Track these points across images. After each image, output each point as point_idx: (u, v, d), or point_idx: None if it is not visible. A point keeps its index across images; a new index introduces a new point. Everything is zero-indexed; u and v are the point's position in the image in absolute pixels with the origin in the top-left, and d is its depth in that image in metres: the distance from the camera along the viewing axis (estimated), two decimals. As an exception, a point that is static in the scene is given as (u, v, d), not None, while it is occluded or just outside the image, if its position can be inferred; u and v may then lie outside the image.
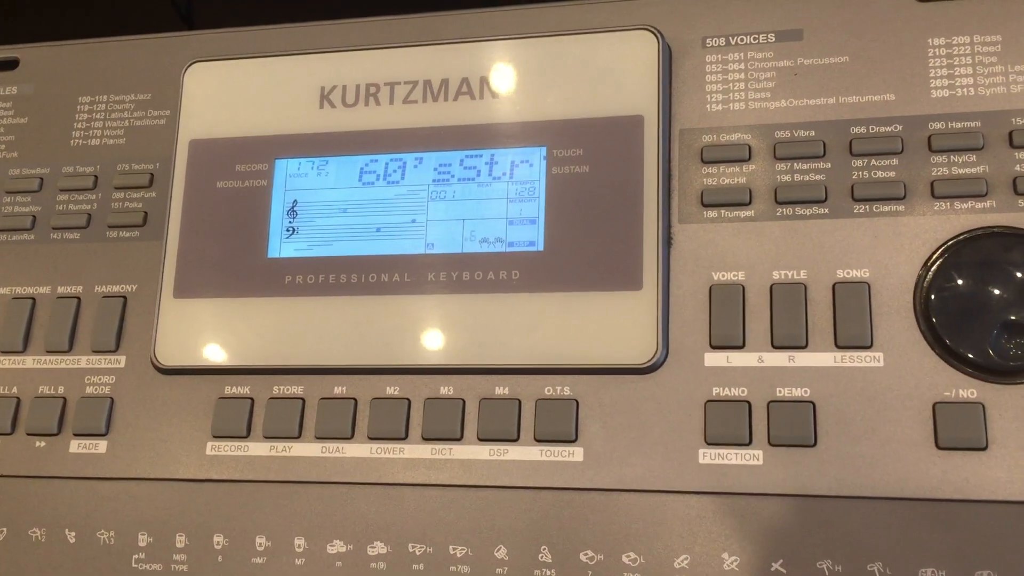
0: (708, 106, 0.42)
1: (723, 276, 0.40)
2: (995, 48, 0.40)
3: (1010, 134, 0.38)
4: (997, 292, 0.37)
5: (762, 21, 0.42)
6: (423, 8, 0.47)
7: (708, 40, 0.43)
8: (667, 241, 0.40)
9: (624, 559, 0.38)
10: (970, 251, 0.37)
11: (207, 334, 0.43)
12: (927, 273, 0.38)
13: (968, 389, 0.36)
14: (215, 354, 0.43)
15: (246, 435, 0.42)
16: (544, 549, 0.38)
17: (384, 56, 0.45)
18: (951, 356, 0.37)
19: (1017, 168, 0.38)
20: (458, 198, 0.43)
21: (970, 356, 0.36)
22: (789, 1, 0.42)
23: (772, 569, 0.36)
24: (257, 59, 0.46)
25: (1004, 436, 0.35)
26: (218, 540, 0.41)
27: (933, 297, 0.37)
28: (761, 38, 0.42)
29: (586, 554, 0.38)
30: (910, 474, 0.36)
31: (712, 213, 0.40)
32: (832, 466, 0.37)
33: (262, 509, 0.41)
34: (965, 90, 0.40)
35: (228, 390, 0.43)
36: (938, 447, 0.36)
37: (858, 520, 0.36)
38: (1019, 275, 0.37)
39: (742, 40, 0.42)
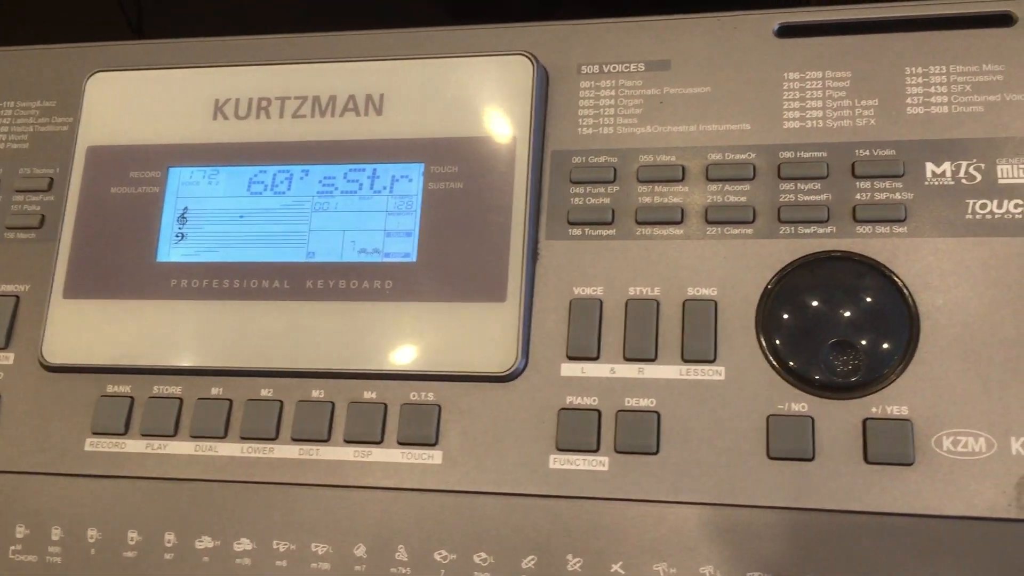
0: (580, 129, 0.44)
1: (583, 291, 0.42)
2: (844, 83, 0.42)
3: (852, 165, 0.41)
4: (830, 313, 0.39)
5: (634, 51, 0.45)
6: (362, 25, 0.49)
7: (583, 67, 0.45)
8: (533, 256, 0.42)
9: (475, 559, 0.39)
10: (808, 274, 0.40)
11: (93, 334, 0.45)
12: (769, 293, 0.40)
13: (800, 403, 0.38)
14: (99, 353, 0.44)
15: (124, 432, 0.43)
16: (401, 548, 0.40)
17: (276, 72, 0.47)
18: (786, 372, 0.39)
19: (857, 196, 0.40)
20: (340, 210, 0.45)
21: (802, 372, 0.38)
22: (659, 33, 0.45)
23: (612, 570, 0.38)
24: (156, 71, 0.48)
25: (830, 448, 0.38)
26: (92, 534, 0.42)
27: (772, 316, 0.39)
28: (632, 67, 0.45)
29: (440, 553, 0.40)
30: (743, 482, 0.38)
31: (577, 231, 0.43)
32: (672, 473, 0.38)
33: (135, 504, 0.42)
34: (814, 122, 0.42)
35: (110, 388, 0.44)
36: (769, 457, 0.38)
37: (694, 525, 0.38)
38: (849, 297, 0.39)
39: (614, 68, 0.45)
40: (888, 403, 0.38)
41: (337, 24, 0.49)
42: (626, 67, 0.45)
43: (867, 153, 0.41)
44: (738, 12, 0.44)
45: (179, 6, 0.86)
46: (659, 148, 0.43)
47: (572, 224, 0.43)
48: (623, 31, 0.45)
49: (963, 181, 0.40)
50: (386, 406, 0.41)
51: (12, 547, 0.43)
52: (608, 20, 0.46)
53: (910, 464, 0.37)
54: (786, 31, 0.44)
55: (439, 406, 0.41)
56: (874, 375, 0.38)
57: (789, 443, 0.38)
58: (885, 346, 0.38)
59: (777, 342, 0.39)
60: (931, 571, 0.36)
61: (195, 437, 0.42)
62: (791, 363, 0.39)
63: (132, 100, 0.48)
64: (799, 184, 0.41)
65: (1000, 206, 0.39)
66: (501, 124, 0.44)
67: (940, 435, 0.37)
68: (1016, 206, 0.39)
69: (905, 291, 0.39)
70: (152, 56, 0.49)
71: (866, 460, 0.37)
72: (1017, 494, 0.36)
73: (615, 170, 0.43)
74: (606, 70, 0.45)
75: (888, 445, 0.37)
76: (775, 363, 0.39)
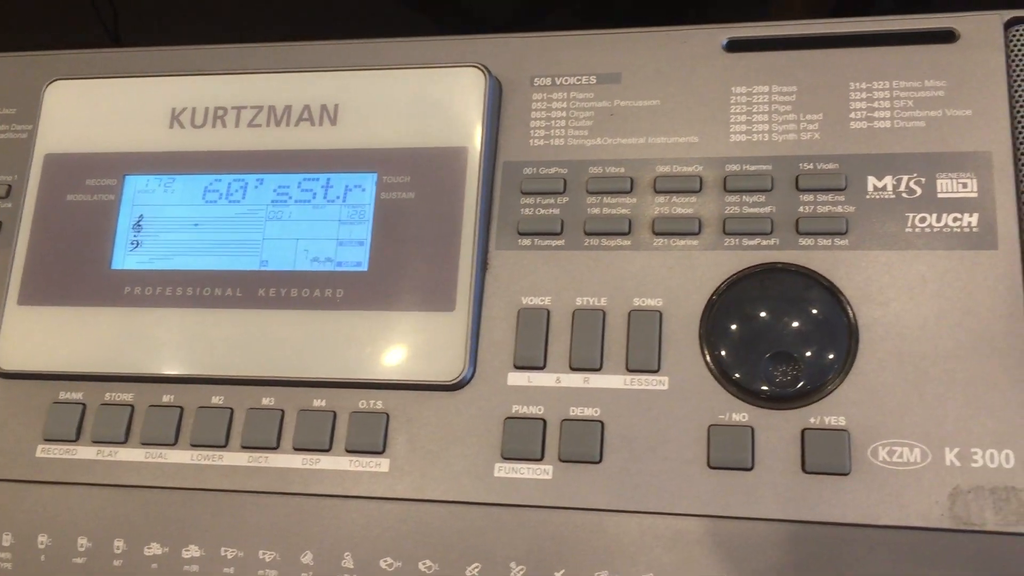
0: (531, 141, 0.45)
1: (531, 301, 0.42)
2: (790, 98, 0.43)
3: (796, 178, 0.41)
4: (771, 324, 0.39)
5: (586, 64, 0.45)
6: (339, 34, 0.49)
7: (536, 79, 0.46)
8: (482, 266, 0.43)
9: (420, 566, 0.40)
10: (751, 285, 0.40)
11: (47, 340, 0.45)
12: (713, 304, 0.40)
13: (740, 413, 0.39)
14: (53, 360, 0.45)
15: (75, 439, 0.43)
16: (347, 555, 0.40)
17: (232, 81, 0.47)
18: (728, 382, 0.39)
19: (801, 209, 0.41)
20: (294, 219, 0.45)
21: (743, 383, 0.39)
22: (611, 46, 0.45)
23: (554, 578, 0.39)
24: (113, 79, 0.48)
25: (769, 457, 0.38)
26: (42, 540, 0.43)
27: (716, 326, 0.40)
28: (584, 79, 0.45)
29: (386, 561, 0.40)
30: (683, 491, 0.38)
31: (526, 241, 0.43)
32: (614, 482, 0.39)
33: (86, 511, 0.43)
34: (760, 135, 0.43)
35: (62, 395, 0.44)
36: (710, 467, 0.38)
37: (635, 533, 0.38)
38: (791, 309, 0.39)
39: (567, 80, 0.45)
40: (826, 413, 0.38)
41: (315, 32, 0.50)
42: (578, 80, 0.45)
43: (811, 167, 0.41)
44: (687, 27, 0.45)
45: (156, 14, 0.86)
46: (608, 160, 0.43)
47: (522, 235, 0.43)
48: (576, 44, 0.46)
49: (904, 195, 0.40)
50: (335, 414, 0.42)
51: (-38, 553, 0.43)
52: (561, 33, 0.46)
53: (846, 474, 0.37)
54: (734, 46, 0.44)
55: (387, 414, 0.41)
56: (813, 386, 0.38)
57: (729, 453, 0.38)
58: (824, 357, 0.39)
59: (720, 352, 0.40)
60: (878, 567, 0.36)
61: (145, 444, 0.43)
62: (733, 373, 0.39)
63: (90, 108, 0.48)
64: (744, 197, 0.42)
65: (939, 220, 0.40)
66: (453, 135, 0.44)
67: (876, 445, 0.37)
68: (954, 220, 0.40)
69: (845, 303, 0.39)
70: (111, 65, 0.50)
71: (804, 470, 0.38)
72: (950, 504, 0.36)
73: (565, 181, 0.43)
74: (558, 82, 0.45)
75: (825, 455, 0.37)
76: (717, 373, 0.39)
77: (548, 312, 0.42)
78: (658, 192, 0.42)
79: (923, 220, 0.40)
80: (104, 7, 0.86)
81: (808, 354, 0.39)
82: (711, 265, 0.41)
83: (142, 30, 0.86)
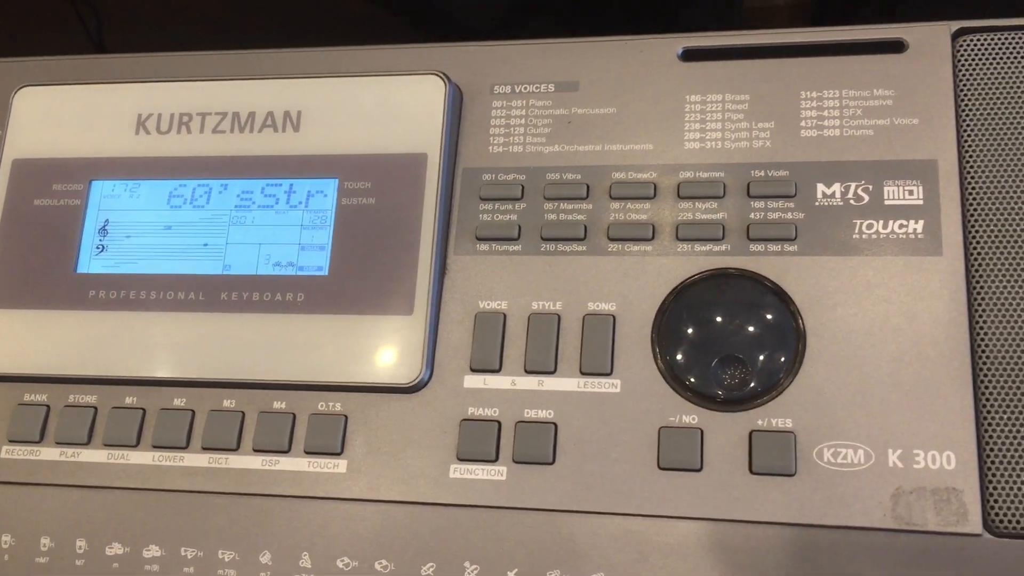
0: (490, 147, 0.45)
1: (488, 305, 0.43)
2: (743, 107, 0.44)
3: (748, 185, 0.42)
4: (721, 328, 0.40)
5: (545, 72, 0.46)
6: (322, 40, 0.50)
7: (496, 87, 0.46)
8: (441, 271, 0.43)
9: (376, 566, 0.40)
10: (702, 290, 0.41)
11: (12, 343, 0.45)
12: (665, 308, 0.41)
13: (690, 415, 0.40)
14: (18, 362, 0.45)
15: (39, 440, 0.44)
16: (305, 555, 0.41)
17: (197, 88, 0.48)
18: (678, 385, 0.40)
19: (751, 216, 0.42)
20: (257, 224, 0.46)
21: (693, 385, 0.40)
22: (569, 55, 0.46)
23: (507, 577, 0.39)
24: (80, 86, 0.49)
25: (717, 459, 0.39)
26: (5, 540, 0.43)
27: (668, 331, 0.41)
28: (542, 87, 0.46)
29: (343, 560, 0.41)
30: (633, 491, 0.39)
31: (484, 246, 0.44)
32: (566, 482, 0.40)
33: (48, 511, 0.43)
34: (714, 143, 0.43)
35: (27, 397, 0.45)
36: (660, 468, 0.39)
37: (586, 533, 0.39)
38: (741, 313, 0.40)
39: (526, 88, 0.46)
40: (773, 416, 0.39)
41: (299, 38, 0.50)
42: (537, 87, 0.46)
43: (762, 174, 0.42)
44: (644, 36, 0.46)
45: (139, 21, 0.87)
46: (566, 167, 0.44)
47: (480, 240, 0.44)
48: (535, 53, 0.47)
49: (852, 202, 0.41)
50: (295, 416, 0.42)
51: (-73, 553, 0.43)
52: (521, 42, 0.47)
53: (792, 475, 0.38)
54: (689, 55, 0.45)
55: (346, 416, 0.42)
56: (762, 389, 0.39)
57: (678, 454, 0.39)
58: (773, 361, 0.40)
59: (671, 356, 0.40)
60: (821, 567, 0.37)
61: (108, 445, 0.43)
62: (683, 377, 0.40)
63: (57, 114, 0.49)
64: (697, 203, 0.42)
65: (886, 226, 0.41)
66: (414, 141, 0.45)
67: (821, 447, 0.38)
68: (900, 227, 0.41)
69: (793, 308, 0.40)
70: (79, 71, 0.50)
71: (751, 471, 0.38)
72: (892, 504, 0.37)
73: (523, 188, 0.44)
74: (518, 90, 0.46)
75: (772, 456, 0.38)
76: (668, 376, 0.40)
77: (504, 316, 0.42)
78: (613, 198, 0.43)
79: (870, 227, 0.41)
80: (88, 15, 0.87)
81: (757, 358, 0.40)
82: (664, 270, 0.42)
83: (125, 38, 0.86)
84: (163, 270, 0.45)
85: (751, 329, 0.40)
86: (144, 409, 0.44)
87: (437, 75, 0.45)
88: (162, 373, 0.44)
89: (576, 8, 0.80)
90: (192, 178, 0.47)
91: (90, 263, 0.46)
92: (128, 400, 0.44)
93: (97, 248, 0.46)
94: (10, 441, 0.44)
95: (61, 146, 0.48)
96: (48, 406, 0.44)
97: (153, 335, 0.44)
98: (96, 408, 0.44)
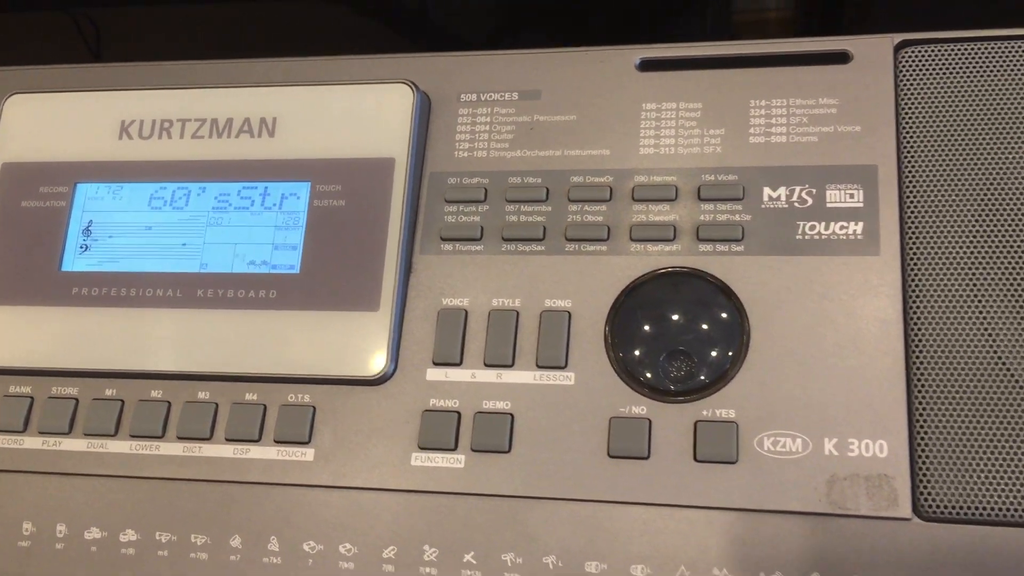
0: (456, 152, 0.48)
1: (450, 302, 0.45)
2: (696, 114, 0.46)
3: (698, 188, 0.44)
4: (670, 324, 0.42)
5: (509, 81, 0.48)
6: (315, 51, 0.52)
7: (463, 95, 0.49)
8: (407, 269, 0.46)
9: (341, 548, 0.42)
10: (652, 288, 0.43)
11: (-1, 338, 0.48)
12: (617, 305, 0.43)
13: (639, 406, 0.41)
14: (3, 356, 0.47)
15: (23, 430, 0.46)
16: (273, 539, 0.43)
17: (178, 95, 0.50)
18: (628, 378, 0.42)
19: (701, 217, 0.44)
20: (233, 224, 0.48)
21: (643, 378, 0.42)
22: (532, 65, 0.48)
23: (464, 560, 0.41)
24: (67, 93, 0.51)
25: (664, 447, 0.41)
26: (-12, 525, 0.45)
27: (620, 326, 0.43)
28: (507, 96, 0.48)
29: (309, 544, 0.42)
30: (584, 478, 0.41)
31: (448, 247, 0.46)
32: (521, 470, 0.42)
33: (30, 497, 0.45)
34: (667, 149, 0.45)
35: (11, 389, 0.47)
36: (609, 456, 0.41)
37: (539, 518, 0.41)
38: (689, 310, 0.42)
39: (491, 97, 0.48)
40: (717, 407, 0.41)
41: (292, 53, 0.52)
42: (501, 96, 0.48)
43: (712, 178, 0.44)
44: (604, 47, 0.48)
45: (135, 32, 0.89)
46: (527, 171, 0.46)
47: (444, 240, 0.46)
48: (500, 63, 0.49)
49: (796, 204, 0.43)
50: (265, 407, 0.44)
51: (-86, 538, 0.45)
52: (487, 52, 0.49)
53: (734, 462, 0.40)
54: (646, 65, 0.47)
55: (314, 407, 0.44)
56: (707, 381, 0.41)
57: (627, 443, 0.41)
58: (718, 355, 0.42)
59: (622, 350, 0.42)
60: (753, 561, 0.39)
61: (88, 435, 0.45)
62: (633, 370, 0.42)
63: (45, 120, 0.51)
64: (650, 205, 0.45)
65: (827, 228, 0.43)
66: (383, 146, 0.47)
67: (762, 436, 0.40)
68: (841, 228, 0.43)
69: (739, 305, 0.42)
70: (67, 79, 0.53)
71: (695, 459, 0.40)
72: (828, 490, 0.39)
73: (486, 191, 0.46)
74: (483, 98, 0.48)
75: (715, 445, 0.40)
76: (620, 370, 0.42)
77: (466, 312, 0.44)
78: (571, 201, 0.45)
79: (812, 228, 0.43)
80: (87, 27, 0.89)
81: (704, 352, 0.42)
82: (617, 269, 0.44)
83: (123, 49, 0.89)
84: (143, 268, 0.48)
85: (699, 325, 0.42)
86: (123, 400, 0.46)
87: (406, 84, 0.48)
88: (141, 366, 0.46)
89: (566, 22, 0.82)
90: (172, 181, 0.49)
91: (74, 261, 0.48)
92: (108, 392, 0.46)
93: (81, 247, 0.49)
94: (-5, 431, 0.46)
95: (48, 150, 0.50)
96: (32, 398, 0.46)
97: (133, 330, 0.46)
98: (77, 400, 0.46)
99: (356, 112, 0.48)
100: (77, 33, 0.90)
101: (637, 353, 0.42)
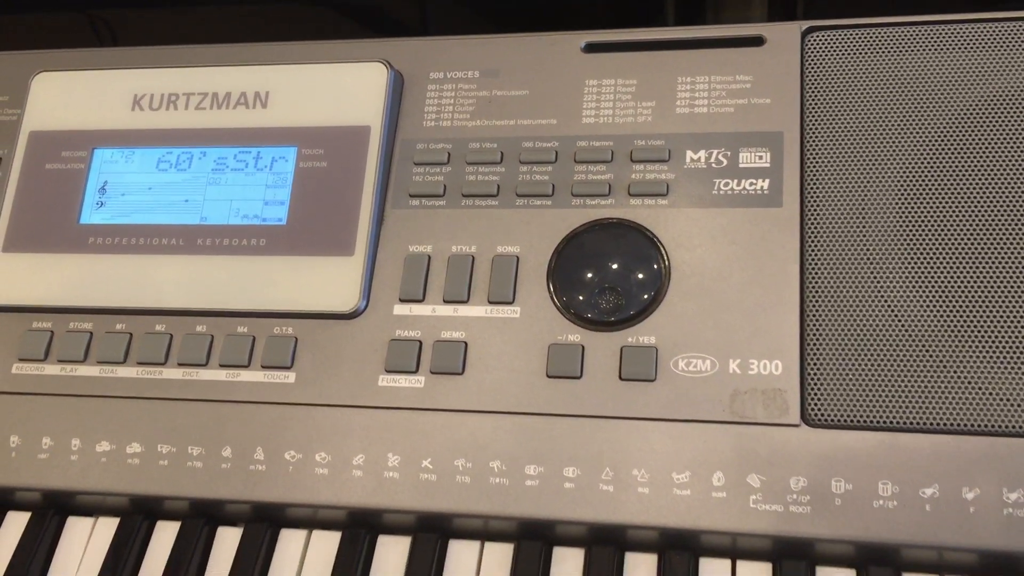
0: (424, 122, 0.55)
1: (416, 248, 0.52)
2: (631, 89, 0.53)
3: (631, 152, 0.51)
4: (602, 265, 0.49)
5: (472, 61, 0.55)
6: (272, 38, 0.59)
7: (432, 73, 0.56)
8: (379, 221, 0.52)
9: (316, 457, 0.49)
10: (589, 235, 0.50)
11: (25, 280, 0.55)
12: (559, 250, 0.50)
13: (574, 335, 0.48)
14: (29, 295, 0.54)
15: (44, 359, 0.53)
16: (259, 449, 0.49)
17: (184, 73, 0.57)
18: (566, 310, 0.49)
19: (632, 176, 0.51)
20: (229, 183, 0.55)
21: (578, 311, 0.48)
22: (493, 47, 0.55)
23: (422, 465, 0.48)
24: (87, 71, 0.58)
25: (595, 369, 0.47)
26: (13, 440, 0.52)
27: (560, 267, 0.49)
28: (469, 74, 0.55)
29: (290, 453, 0.49)
30: (526, 395, 0.48)
31: (415, 202, 0.53)
32: (473, 389, 0.48)
33: (49, 416, 0.52)
34: (606, 118, 0.52)
35: (35, 324, 0.54)
36: (548, 376, 0.48)
37: (488, 428, 0.47)
38: (619, 253, 0.49)
39: (456, 75, 0.55)
40: (641, 334, 0.47)
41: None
42: (464, 74, 0.55)
43: (643, 143, 0.51)
44: (554, 32, 0.55)
45: (148, 33, 0.96)
46: (485, 138, 0.53)
47: (412, 196, 0.53)
48: (465, 46, 0.56)
49: (713, 165, 0.50)
50: (254, 338, 0.51)
51: (-52, 452, 0.52)
52: (453, 37, 0.56)
53: (652, 380, 0.46)
54: (591, 48, 0.54)
55: (296, 338, 0.51)
56: (632, 313, 0.48)
57: (563, 366, 0.47)
58: (643, 291, 0.48)
59: (562, 288, 0.49)
60: (667, 462, 0.45)
61: (100, 363, 0.52)
62: (570, 304, 0.49)
63: (67, 94, 0.58)
64: (589, 167, 0.51)
65: (739, 184, 0.50)
66: (360, 116, 0.54)
67: (677, 358, 0.47)
68: (751, 184, 0.49)
69: (662, 249, 0.49)
70: (87, 61, 0.60)
71: (620, 378, 0.47)
72: (730, 402, 0.45)
73: (449, 154, 0.53)
74: (449, 76, 0.55)
75: (637, 366, 0.47)
76: (559, 304, 0.49)
77: (429, 257, 0.51)
78: (522, 163, 0.52)
79: (727, 184, 0.50)
80: (103, 30, 0.97)
81: (630, 289, 0.48)
82: (560, 220, 0.51)
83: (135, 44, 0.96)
84: (151, 221, 0.55)
85: (627, 266, 0.49)
86: (131, 333, 0.53)
87: (381, 63, 0.55)
88: (147, 304, 0.53)
89: (556, 13, 0.88)
90: (177, 146, 0.56)
91: (91, 215, 0.55)
92: (118, 326, 0.53)
93: (97, 204, 0.56)
94: (19, 360, 0.53)
95: (69, 120, 0.58)
96: (52, 331, 0.53)
97: (141, 274, 0.53)
98: (92, 333, 0.53)
99: (338, 87, 0.55)
100: (93, 34, 0.97)
101: (573, 290, 0.49)
